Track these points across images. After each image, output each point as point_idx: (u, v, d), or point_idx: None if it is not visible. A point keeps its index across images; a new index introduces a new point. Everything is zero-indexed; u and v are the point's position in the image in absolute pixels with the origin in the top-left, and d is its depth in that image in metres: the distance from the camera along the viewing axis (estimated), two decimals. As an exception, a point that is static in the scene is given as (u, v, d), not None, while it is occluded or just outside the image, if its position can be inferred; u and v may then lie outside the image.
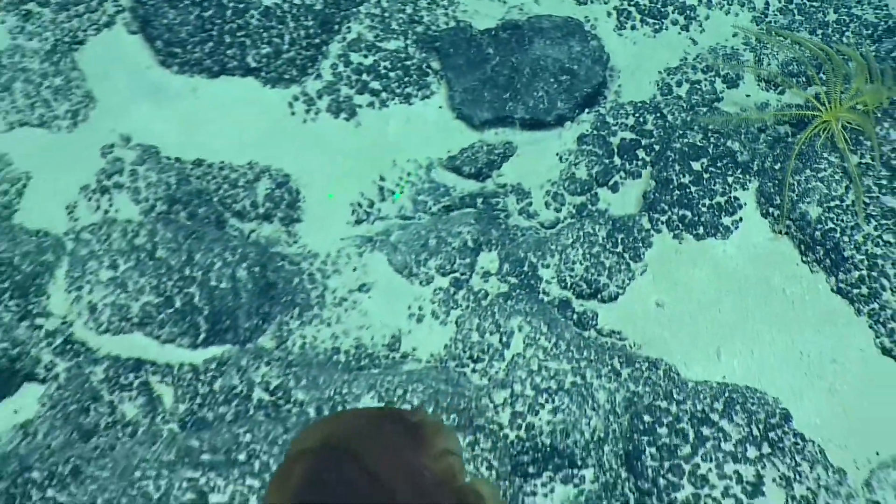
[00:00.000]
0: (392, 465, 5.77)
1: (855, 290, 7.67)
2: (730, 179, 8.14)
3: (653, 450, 7.02)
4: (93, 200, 8.01)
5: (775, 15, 8.98)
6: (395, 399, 7.10)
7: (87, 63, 8.64)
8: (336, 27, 8.72)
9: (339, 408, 7.13)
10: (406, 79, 8.62)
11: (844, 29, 8.83)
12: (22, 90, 8.38)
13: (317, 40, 8.63)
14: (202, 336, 7.53)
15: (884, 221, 7.65)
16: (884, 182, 7.77)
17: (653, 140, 8.36)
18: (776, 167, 8.12)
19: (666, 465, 6.99)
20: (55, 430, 7.11)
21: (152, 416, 7.17)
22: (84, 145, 8.32)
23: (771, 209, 8.05)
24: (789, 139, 8.21)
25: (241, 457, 6.73)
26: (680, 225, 8.03)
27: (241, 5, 8.62)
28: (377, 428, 6.12)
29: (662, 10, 8.97)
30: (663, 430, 7.08)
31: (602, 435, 7.13)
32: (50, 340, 7.38)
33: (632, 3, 9.06)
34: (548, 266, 7.89)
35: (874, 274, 7.60)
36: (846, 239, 7.70)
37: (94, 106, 8.50)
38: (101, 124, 8.42)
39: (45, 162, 8.22)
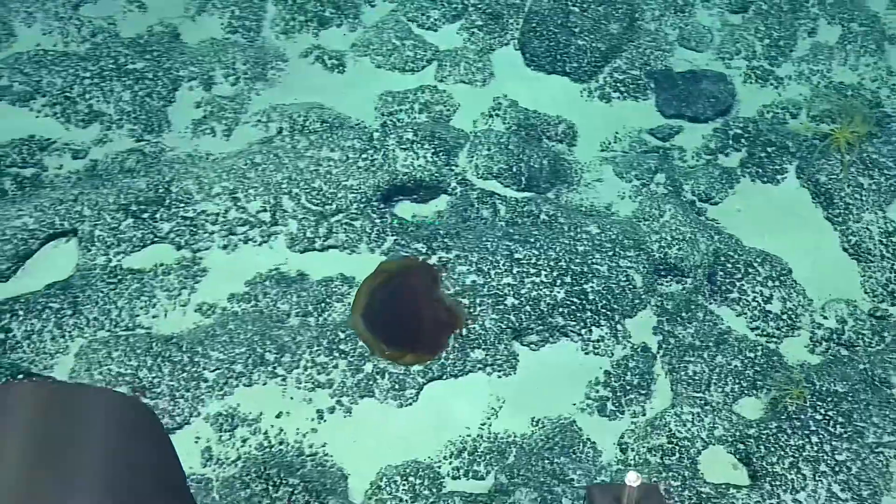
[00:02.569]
0: (423, 285, 6.53)
1: (836, 218, 7.82)
2: (784, 157, 8.22)
3: (721, 273, 7.41)
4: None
5: (821, 88, 8.86)
6: (602, 236, 7.68)
7: (496, 59, 8.87)
8: (611, 61, 8.80)
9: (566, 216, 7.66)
10: (637, 89, 8.72)
11: (856, 97, 8.74)
12: (463, 67, 8.68)
13: (599, 65, 8.75)
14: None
15: (856, 188, 7.82)
16: (860, 169, 7.88)
17: (749, 135, 8.37)
18: (808, 156, 8.16)
19: (727, 280, 7.43)
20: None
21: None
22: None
23: (801, 174, 8.13)
24: (817, 143, 8.18)
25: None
26: (756, 174, 8.18)
27: (565, 38, 8.73)
28: (420, 269, 6.85)
29: (766, 77, 8.89)
30: (729, 266, 7.42)
31: (699, 263, 7.44)
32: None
33: (751, 71, 8.94)
34: (688, 183, 8.09)
35: (846, 211, 7.78)
36: (835, 193, 7.85)
37: (494, 76, 8.75)
38: (497, 87, 8.74)
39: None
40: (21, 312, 6.47)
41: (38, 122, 7.76)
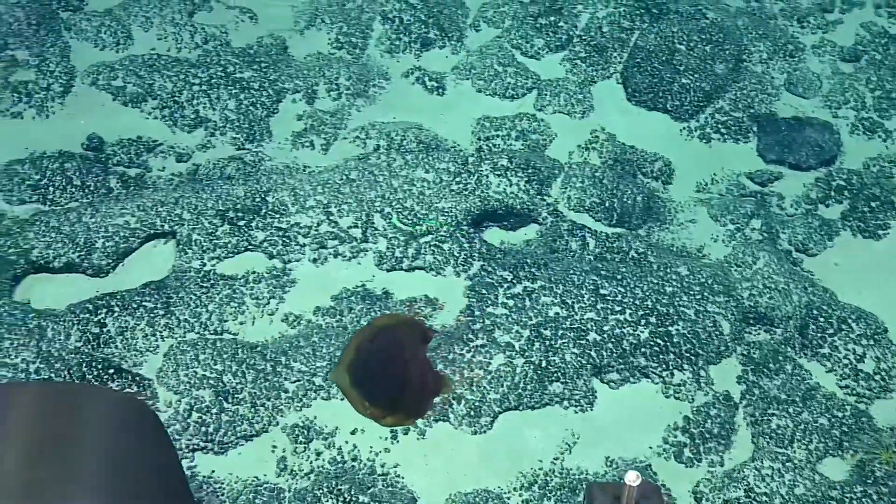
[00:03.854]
0: (410, 342, 6.39)
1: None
2: (888, 213, 8.00)
3: (814, 327, 7.19)
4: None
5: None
6: (691, 279, 7.51)
7: (597, 91, 8.78)
8: (714, 101, 8.67)
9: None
10: (738, 131, 8.55)
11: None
12: (564, 98, 8.60)
13: (702, 104, 8.63)
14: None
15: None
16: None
17: (853, 187, 8.17)
18: (913, 214, 7.93)
19: (818, 335, 7.21)
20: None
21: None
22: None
23: (905, 231, 7.90)
24: (924, 201, 7.95)
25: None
26: (857, 228, 7.96)
27: (669, 75, 8.65)
28: (411, 326, 6.70)
29: (875, 129, 8.61)
30: (822, 320, 7.21)
31: (790, 315, 7.29)
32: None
33: (859, 122, 8.67)
34: (785, 232, 7.88)
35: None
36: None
37: (594, 108, 8.66)
38: (595, 120, 8.62)
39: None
40: (116, 309, 6.66)
41: (146, 124, 8.00)
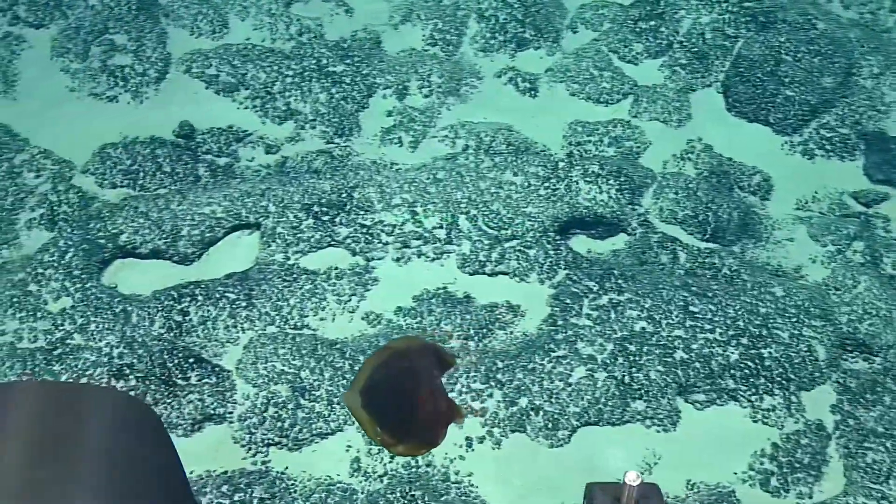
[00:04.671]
0: (425, 369, 6.15)
1: None
2: None
3: None
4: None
5: None
6: (787, 300, 7.25)
7: (695, 100, 8.62)
8: (819, 116, 8.39)
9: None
10: (844, 148, 8.25)
11: None
12: (661, 105, 8.53)
13: (807, 118, 8.35)
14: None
15: None
16: None
17: None
18: None
19: None
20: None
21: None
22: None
23: None
24: None
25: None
26: None
27: (773, 86, 8.44)
28: (426, 350, 6.46)
29: None
30: None
31: (892, 344, 6.93)
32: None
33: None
34: (889, 256, 7.55)
35: None
36: None
37: (691, 117, 8.45)
38: (692, 129, 8.39)
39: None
40: (200, 298, 6.71)
41: (237, 114, 8.07)
